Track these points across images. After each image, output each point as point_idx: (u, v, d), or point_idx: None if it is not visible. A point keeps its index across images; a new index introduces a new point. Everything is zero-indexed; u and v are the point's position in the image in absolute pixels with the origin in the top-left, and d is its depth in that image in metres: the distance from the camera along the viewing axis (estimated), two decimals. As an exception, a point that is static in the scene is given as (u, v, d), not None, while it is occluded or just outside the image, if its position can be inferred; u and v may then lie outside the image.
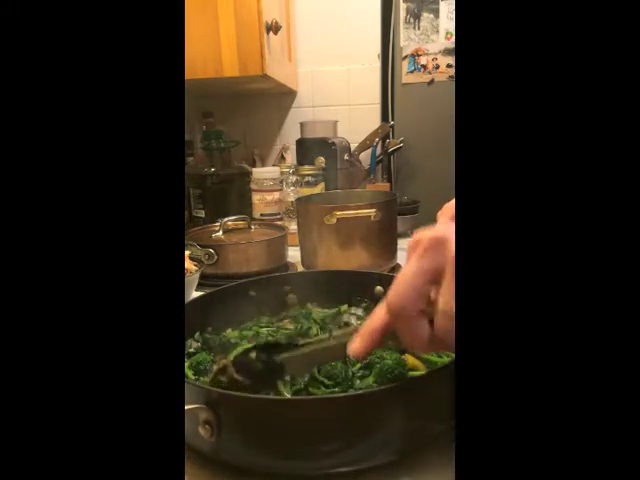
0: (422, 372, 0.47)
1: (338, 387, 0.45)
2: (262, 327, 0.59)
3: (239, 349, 0.46)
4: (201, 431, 0.37)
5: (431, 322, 0.32)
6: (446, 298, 0.30)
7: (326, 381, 0.45)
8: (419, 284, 0.31)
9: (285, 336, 0.54)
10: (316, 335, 0.54)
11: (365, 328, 0.37)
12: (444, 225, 0.32)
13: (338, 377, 0.45)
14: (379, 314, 0.36)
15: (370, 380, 0.45)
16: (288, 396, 0.44)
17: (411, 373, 0.46)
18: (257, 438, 0.38)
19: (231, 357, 0.43)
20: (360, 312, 0.62)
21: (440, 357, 0.51)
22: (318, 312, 0.62)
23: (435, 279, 0.31)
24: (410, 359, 0.49)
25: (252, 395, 0.44)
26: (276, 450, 0.38)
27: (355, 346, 0.37)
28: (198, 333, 0.57)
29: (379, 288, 0.61)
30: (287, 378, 0.42)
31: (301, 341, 0.43)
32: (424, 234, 0.31)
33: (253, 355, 0.43)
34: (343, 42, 1.49)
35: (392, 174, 1.41)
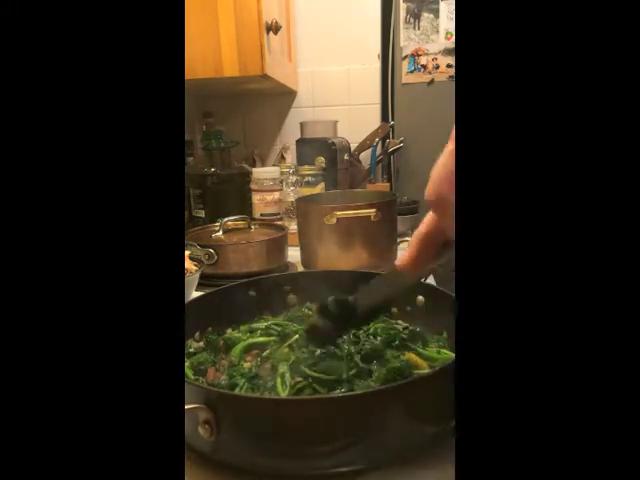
0: (425, 371, 0.47)
1: (338, 387, 0.45)
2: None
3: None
4: (201, 431, 0.38)
5: None
6: None
7: (323, 376, 0.45)
8: (451, 168, 0.29)
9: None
10: None
11: (412, 237, 0.35)
12: None
13: (335, 373, 0.45)
14: (424, 220, 0.34)
15: (371, 381, 0.45)
16: (284, 396, 0.44)
17: (414, 371, 0.46)
18: (256, 438, 0.38)
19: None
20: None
21: (439, 354, 0.51)
22: None
23: None
24: (413, 357, 0.49)
25: (251, 395, 0.44)
26: (276, 450, 0.38)
27: (404, 256, 0.35)
28: (198, 333, 0.57)
29: (379, 288, 0.61)
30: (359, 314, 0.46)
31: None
32: None
33: (330, 302, 0.48)
34: (343, 42, 1.49)
35: (392, 174, 1.41)
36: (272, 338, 0.55)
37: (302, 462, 0.39)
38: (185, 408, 0.35)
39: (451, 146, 0.29)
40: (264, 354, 0.52)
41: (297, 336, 0.53)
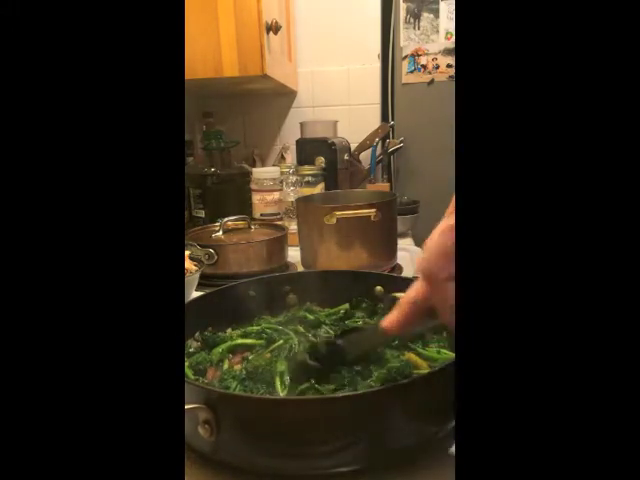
0: (424, 371, 0.47)
1: (342, 388, 0.44)
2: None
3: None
4: (201, 431, 0.38)
5: None
6: None
7: (323, 389, 0.44)
8: (446, 244, 0.29)
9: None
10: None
11: (401, 300, 0.35)
12: None
13: (335, 382, 0.45)
14: (414, 285, 0.34)
15: (371, 381, 0.45)
16: (283, 395, 0.44)
17: (414, 371, 0.46)
18: (256, 438, 0.38)
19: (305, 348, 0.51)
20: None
21: (439, 354, 0.51)
22: (320, 311, 0.62)
23: None
24: (413, 357, 0.49)
25: (251, 395, 0.44)
26: (276, 450, 0.38)
27: (390, 318, 0.35)
28: (198, 333, 0.57)
29: (379, 288, 0.61)
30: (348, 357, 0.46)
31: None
32: None
33: (321, 343, 0.49)
34: (343, 42, 1.49)
35: (392, 174, 1.42)
36: (260, 342, 0.55)
37: (302, 462, 0.39)
38: (185, 408, 0.35)
39: (448, 222, 0.29)
40: (251, 357, 0.52)
41: (281, 341, 0.53)
